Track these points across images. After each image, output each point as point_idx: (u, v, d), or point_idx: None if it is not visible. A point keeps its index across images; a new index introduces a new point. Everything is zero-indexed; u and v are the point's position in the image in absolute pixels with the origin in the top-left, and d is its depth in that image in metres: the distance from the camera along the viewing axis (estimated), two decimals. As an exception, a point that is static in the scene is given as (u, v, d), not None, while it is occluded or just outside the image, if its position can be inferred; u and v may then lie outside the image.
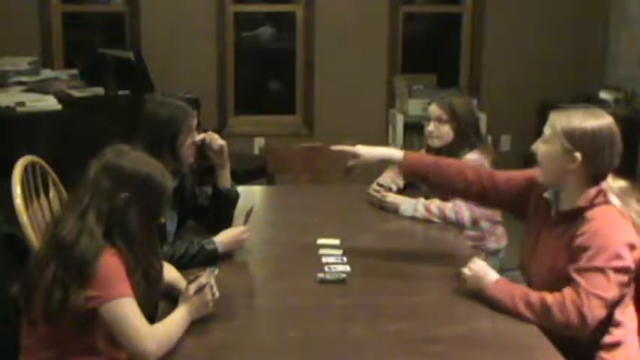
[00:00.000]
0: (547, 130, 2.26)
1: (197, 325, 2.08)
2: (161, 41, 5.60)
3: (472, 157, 3.11)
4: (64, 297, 1.90)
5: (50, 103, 4.42)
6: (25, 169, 2.80)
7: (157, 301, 2.14)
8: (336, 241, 2.74)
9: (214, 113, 5.78)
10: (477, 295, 2.28)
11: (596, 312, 2.08)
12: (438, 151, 3.21)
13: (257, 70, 6.35)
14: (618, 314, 2.18)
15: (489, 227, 3.21)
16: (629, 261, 2.11)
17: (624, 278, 2.12)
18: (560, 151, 2.20)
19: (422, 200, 3.08)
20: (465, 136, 3.15)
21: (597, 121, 2.21)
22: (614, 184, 2.23)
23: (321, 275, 2.43)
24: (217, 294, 2.11)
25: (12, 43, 5.27)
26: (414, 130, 5.45)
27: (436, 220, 3.01)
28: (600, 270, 2.09)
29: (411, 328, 2.14)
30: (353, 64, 5.84)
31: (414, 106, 5.39)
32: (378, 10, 5.82)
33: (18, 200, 2.66)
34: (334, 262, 2.56)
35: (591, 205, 2.19)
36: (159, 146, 2.53)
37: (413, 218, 3.05)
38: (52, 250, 1.97)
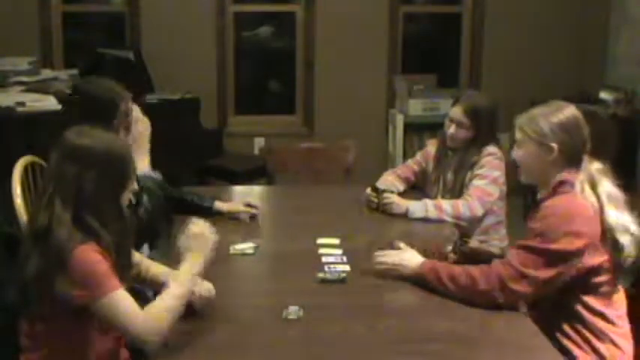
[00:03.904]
0: (518, 135, 2.36)
1: (197, 325, 2.08)
2: (161, 41, 5.60)
3: (492, 149, 3.14)
4: (50, 290, 1.89)
5: (50, 103, 4.42)
6: (25, 169, 2.80)
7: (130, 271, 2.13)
8: (336, 241, 2.74)
9: (214, 113, 5.78)
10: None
11: (519, 287, 2.16)
12: (453, 150, 3.22)
13: (257, 70, 6.35)
14: (596, 304, 2.22)
15: (494, 223, 3.21)
16: (567, 246, 2.15)
17: (563, 262, 2.16)
18: (537, 148, 2.29)
19: (428, 200, 3.07)
20: (485, 139, 3.15)
21: (560, 111, 2.30)
22: (590, 165, 2.29)
23: (321, 275, 2.43)
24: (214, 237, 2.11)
25: (12, 43, 5.27)
26: (414, 130, 5.45)
27: (448, 219, 3.00)
28: (532, 249, 2.17)
29: (410, 328, 2.14)
30: (353, 64, 5.84)
31: (414, 106, 5.40)
32: (378, 10, 5.83)
33: (18, 200, 2.67)
34: (334, 261, 2.56)
35: (553, 193, 2.26)
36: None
37: (424, 219, 3.01)
38: (29, 245, 1.97)
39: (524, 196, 5.39)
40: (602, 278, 2.22)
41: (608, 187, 2.25)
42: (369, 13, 5.82)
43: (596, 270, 2.20)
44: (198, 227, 2.11)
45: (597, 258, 2.19)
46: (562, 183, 2.25)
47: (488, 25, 5.92)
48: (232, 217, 3.01)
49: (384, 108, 5.91)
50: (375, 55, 5.87)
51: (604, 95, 5.31)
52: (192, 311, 2.13)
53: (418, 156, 3.45)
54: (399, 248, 2.50)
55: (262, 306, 2.29)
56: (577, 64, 5.88)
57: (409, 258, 2.42)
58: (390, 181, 3.34)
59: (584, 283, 2.20)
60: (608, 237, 2.20)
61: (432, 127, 4.63)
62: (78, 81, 5.00)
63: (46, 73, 5.09)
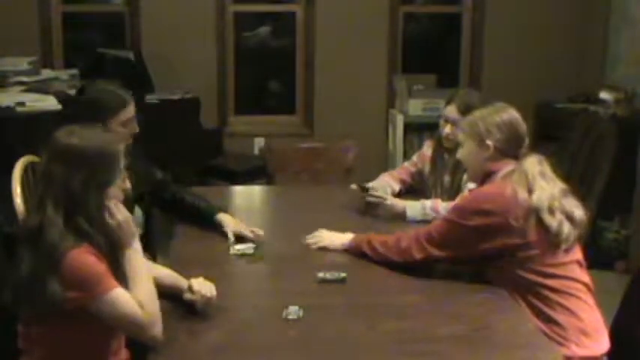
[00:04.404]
0: (460, 136, 2.59)
1: (197, 325, 2.08)
2: (161, 41, 5.60)
3: None
4: (43, 292, 1.88)
5: (50, 103, 4.42)
6: (25, 169, 2.80)
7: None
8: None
9: (214, 113, 5.78)
10: (477, 294, 2.31)
11: (432, 250, 2.43)
12: (449, 152, 3.20)
13: (257, 69, 6.35)
14: (531, 276, 2.32)
15: None
16: (474, 223, 2.35)
17: (471, 237, 2.36)
18: (475, 146, 2.49)
19: (426, 202, 3.05)
20: None
21: (497, 113, 2.50)
22: (526, 158, 2.44)
23: (321, 275, 2.43)
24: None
25: (12, 43, 5.27)
26: (414, 130, 5.45)
27: None
28: (448, 221, 2.45)
29: (411, 328, 2.14)
30: (353, 64, 5.84)
31: (414, 106, 5.39)
32: (378, 10, 5.82)
33: (18, 200, 2.67)
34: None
35: (481, 183, 2.50)
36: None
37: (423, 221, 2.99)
38: (22, 247, 1.96)
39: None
40: (533, 253, 2.32)
41: (540, 174, 2.39)
42: (369, 13, 5.82)
43: (520, 247, 2.32)
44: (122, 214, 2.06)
45: (517, 238, 2.31)
46: (489, 173, 2.46)
47: (488, 25, 5.91)
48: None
49: (384, 108, 5.91)
50: (375, 55, 5.87)
51: (604, 95, 5.31)
52: (193, 311, 2.14)
53: (414, 157, 3.43)
54: None
55: (262, 306, 2.29)
56: (577, 64, 5.87)
57: (339, 235, 2.72)
58: (385, 181, 3.33)
59: (515, 259, 2.33)
60: (534, 217, 2.32)
61: (432, 127, 4.61)
62: (78, 81, 5.02)
63: (46, 73, 5.08)
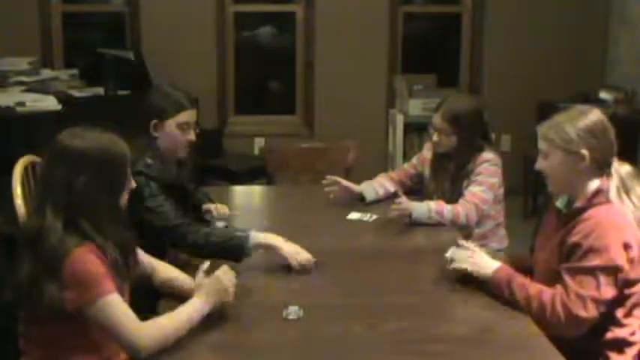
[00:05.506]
0: (542, 145, 2.25)
1: (197, 324, 2.08)
2: (161, 41, 5.60)
3: (488, 156, 3.10)
4: (41, 294, 1.88)
5: (50, 103, 4.42)
6: (25, 169, 2.80)
7: (134, 274, 2.11)
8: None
9: (214, 113, 5.79)
10: (477, 294, 2.30)
11: (585, 312, 2.09)
12: (445, 156, 3.19)
13: (257, 70, 6.35)
14: (620, 314, 2.17)
15: (493, 227, 3.20)
16: (620, 261, 2.09)
17: (614, 278, 2.10)
18: (565, 156, 2.19)
19: (430, 204, 3.04)
20: (472, 142, 3.12)
21: (585, 115, 2.21)
22: (620, 168, 2.23)
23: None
24: (234, 280, 2.16)
25: (12, 43, 5.27)
26: (414, 130, 5.45)
27: (447, 223, 2.99)
28: (590, 271, 2.09)
29: (411, 328, 2.14)
30: (353, 64, 5.84)
31: (414, 106, 5.39)
32: (378, 10, 5.82)
33: (18, 200, 2.67)
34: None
35: (590, 204, 2.18)
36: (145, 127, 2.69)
37: (426, 224, 2.98)
38: (22, 250, 1.96)
39: (524, 196, 5.40)
40: (634, 290, 2.17)
41: (639, 192, 2.20)
42: (369, 13, 5.82)
43: (630, 282, 2.15)
44: (222, 272, 2.13)
45: (638, 269, 2.14)
46: (598, 192, 2.18)
47: (488, 25, 5.92)
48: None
49: (384, 108, 5.91)
50: (375, 55, 5.87)
51: (604, 95, 5.32)
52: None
53: (414, 160, 3.43)
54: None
55: (262, 306, 2.29)
56: (577, 64, 5.87)
57: (484, 262, 2.31)
58: (379, 182, 3.32)
59: (618, 297, 2.14)
60: None
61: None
62: (77, 81, 5.02)
63: (46, 73, 5.09)
